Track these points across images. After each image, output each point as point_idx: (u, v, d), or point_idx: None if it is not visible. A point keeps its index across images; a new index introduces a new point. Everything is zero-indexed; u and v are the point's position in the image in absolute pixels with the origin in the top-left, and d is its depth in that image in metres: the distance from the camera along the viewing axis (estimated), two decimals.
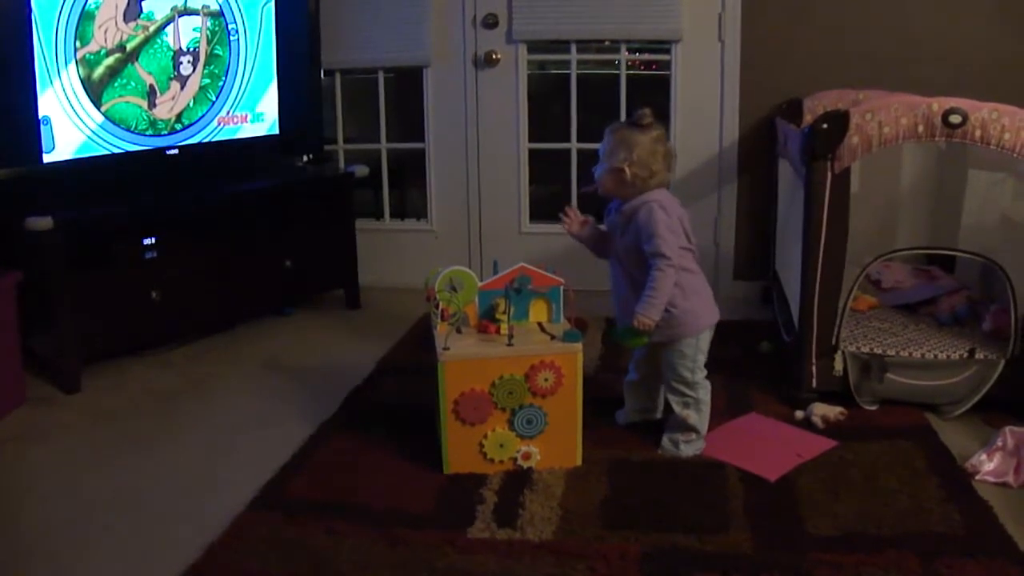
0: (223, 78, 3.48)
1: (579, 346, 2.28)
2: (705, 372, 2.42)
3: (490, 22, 3.88)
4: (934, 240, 3.39)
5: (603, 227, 2.48)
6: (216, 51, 3.43)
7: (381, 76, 4.10)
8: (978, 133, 2.39)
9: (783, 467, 2.29)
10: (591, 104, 3.96)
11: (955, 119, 2.39)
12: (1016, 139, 2.38)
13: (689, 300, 2.34)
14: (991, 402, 2.56)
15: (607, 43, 3.96)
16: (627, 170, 2.30)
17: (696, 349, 2.38)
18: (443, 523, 2.08)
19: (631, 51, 3.91)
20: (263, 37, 3.61)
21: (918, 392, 2.61)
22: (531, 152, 4.01)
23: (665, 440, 2.43)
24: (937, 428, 2.52)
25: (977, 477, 2.23)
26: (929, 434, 2.48)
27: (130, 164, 3.20)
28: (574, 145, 3.97)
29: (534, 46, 3.94)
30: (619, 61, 3.88)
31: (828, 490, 2.19)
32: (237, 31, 3.49)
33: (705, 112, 3.80)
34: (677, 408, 2.41)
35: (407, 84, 4.16)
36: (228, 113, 3.53)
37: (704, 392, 2.41)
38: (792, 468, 2.29)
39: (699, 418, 2.41)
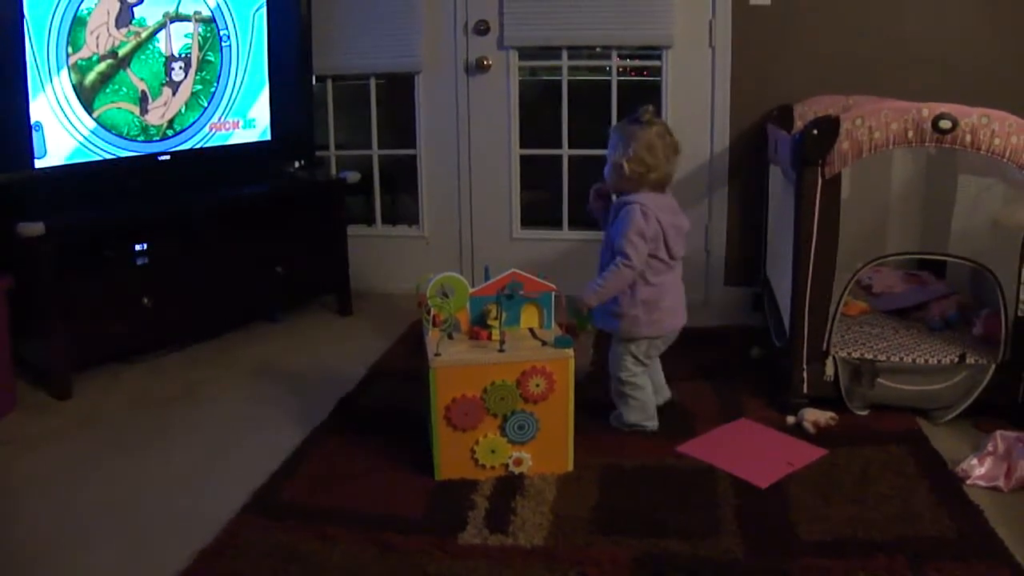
0: (215, 84, 3.48)
1: (571, 352, 2.29)
2: (635, 374, 2.51)
3: (481, 29, 3.88)
4: (924, 245, 3.40)
5: None
6: (208, 57, 3.43)
7: (373, 82, 4.11)
8: (968, 138, 2.40)
9: (773, 475, 2.29)
10: (582, 110, 3.96)
11: (945, 124, 2.40)
12: (1006, 144, 2.39)
13: (636, 308, 2.44)
14: (982, 407, 2.57)
15: (598, 49, 3.97)
16: (625, 165, 2.40)
17: (627, 351, 2.49)
18: (434, 529, 2.08)
19: (622, 57, 3.92)
20: (255, 43, 3.61)
21: (909, 397, 2.62)
22: (522, 158, 4.02)
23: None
24: (928, 433, 2.52)
25: (968, 481, 2.23)
26: (920, 439, 2.48)
27: (122, 170, 3.20)
28: (565, 151, 3.97)
29: (525, 52, 3.95)
30: (610, 67, 3.89)
31: (819, 495, 2.19)
32: (229, 37, 3.49)
33: (696, 118, 3.81)
34: (612, 392, 2.59)
35: (399, 90, 4.16)
36: (220, 119, 3.53)
37: (632, 390, 2.52)
38: (782, 477, 2.29)
39: (626, 409, 2.55)
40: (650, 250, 2.39)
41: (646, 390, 2.55)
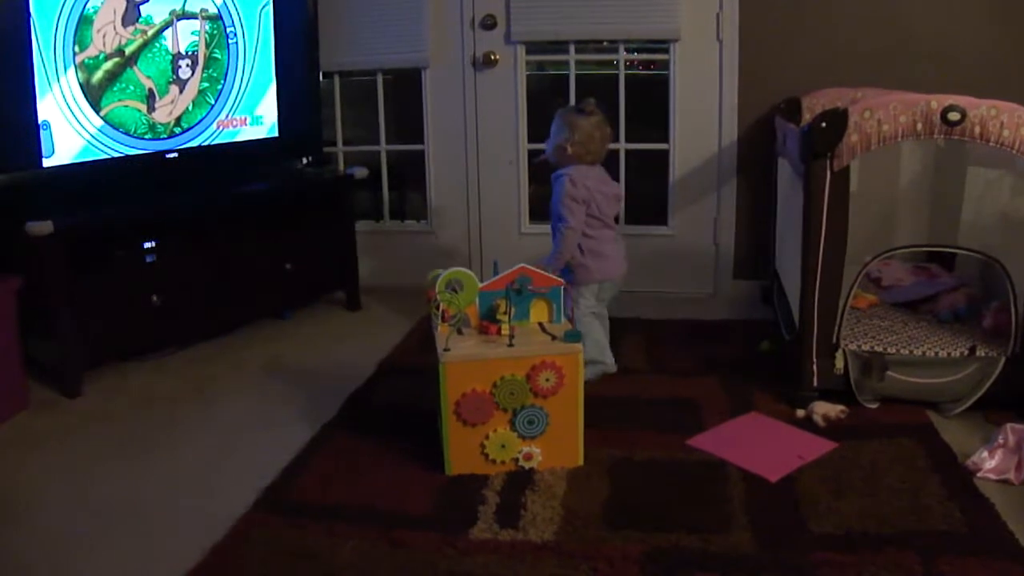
0: (222, 81, 3.48)
1: (580, 346, 2.29)
2: (586, 313, 2.85)
3: (488, 23, 3.88)
4: (934, 238, 3.39)
5: None
6: (215, 54, 3.43)
7: (380, 78, 4.10)
8: (977, 130, 2.39)
9: (784, 468, 2.29)
10: None
11: (954, 116, 2.39)
12: (1015, 136, 2.38)
13: (585, 258, 2.84)
14: (992, 399, 2.56)
15: (605, 43, 3.96)
16: (568, 148, 2.84)
17: (579, 295, 2.85)
18: (445, 524, 2.08)
19: (629, 51, 3.91)
20: (262, 40, 3.61)
21: (919, 390, 2.61)
22: (531, 152, 4.01)
23: None
24: (938, 426, 2.52)
25: (979, 475, 2.23)
26: (930, 432, 2.48)
27: (130, 168, 3.20)
28: None
29: (533, 47, 3.94)
30: (618, 61, 3.88)
31: (829, 489, 2.19)
32: (236, 34, 3.49)
33: (704, 111, 3.80)
34: None
35: (406, 86, 4.16)
36: (227, 116, 3.54)
37: (583, 328, 2.72)
38: (793, 470, 2.29)
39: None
40: (587, 211, 2.81)
41: (596, 327, 2.91)
